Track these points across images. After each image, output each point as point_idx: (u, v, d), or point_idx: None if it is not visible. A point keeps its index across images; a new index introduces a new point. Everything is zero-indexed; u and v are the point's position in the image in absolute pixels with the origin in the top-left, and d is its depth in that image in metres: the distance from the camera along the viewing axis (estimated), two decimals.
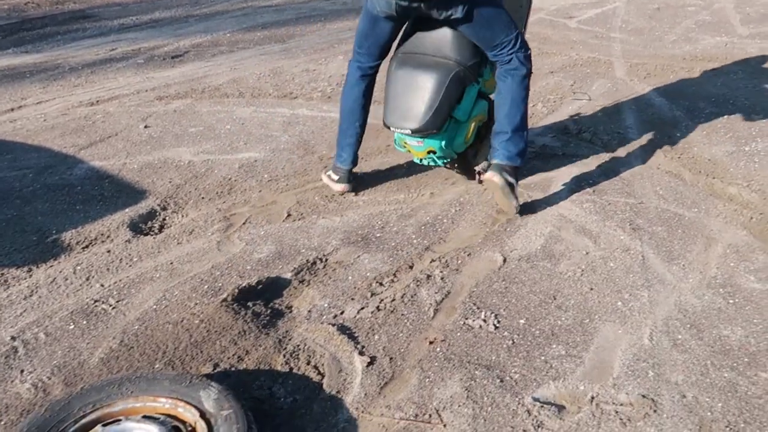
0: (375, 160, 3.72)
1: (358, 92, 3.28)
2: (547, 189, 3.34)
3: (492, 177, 2.96)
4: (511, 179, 2.98)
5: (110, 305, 2.55)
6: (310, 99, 4.75)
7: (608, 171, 3.53)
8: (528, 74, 3.03)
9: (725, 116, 4.22)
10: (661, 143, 3.86)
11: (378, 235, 3.00)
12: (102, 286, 2.68)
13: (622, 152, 3.75)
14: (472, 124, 3.17)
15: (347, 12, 7.58)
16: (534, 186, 3.39)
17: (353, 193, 3.36)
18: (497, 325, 2.39)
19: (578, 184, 3.40)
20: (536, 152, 3.76)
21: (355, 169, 3.39)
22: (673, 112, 4.32)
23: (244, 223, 3.14)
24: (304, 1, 8.25)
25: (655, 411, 1.99)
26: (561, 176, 3.48)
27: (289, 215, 3.19)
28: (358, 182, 3.41)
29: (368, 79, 3.28)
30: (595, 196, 3.27)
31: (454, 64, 3.01)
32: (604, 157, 3.70)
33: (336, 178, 3.35)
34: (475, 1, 2.84)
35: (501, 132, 3.02)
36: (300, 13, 7.58)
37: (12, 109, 4.68)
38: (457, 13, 2.85)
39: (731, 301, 2.49)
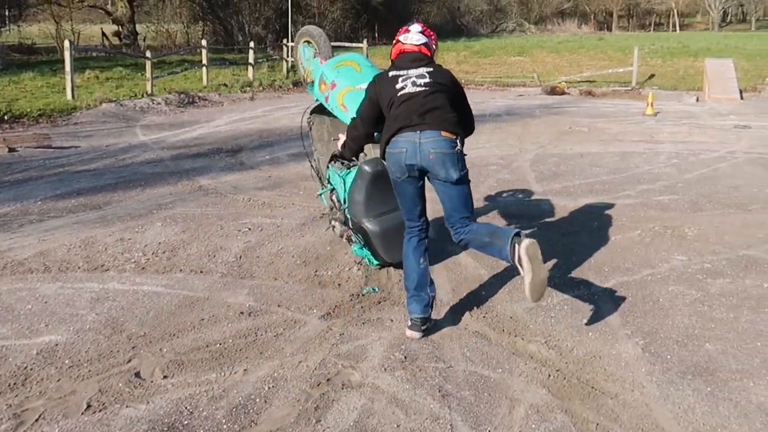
0: (187, 337, 3.60)
1: (415, 253, 3.72)
2: (361, 357, 3.38)
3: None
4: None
5: None
6: (123, 271, 4.59)
7: None
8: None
9: None
10: (468, 303, 4.07)
11: (186, 422, 2.86)
12: None
13: (432, 314, 3.89)
14: None
15: (169, 175, 7.56)
16: (347, 355, 3.41)
17: (162, 376, 3.21)
18: None
19: (391, 350, 3.47)
20: (350, 318, 3.83)
21: (164, 350, 3.25)
22: (478, 270, 4.60)
23: (36, 420, 2.87)
24: (125, 165, 8.15)
25: None
26: (374, 343, 3.54)
27: (89, 407, 2.97)
28: (169, 364, 3.28)
29: (420, 241, 3.75)
30: (407, 363, 3.34)
31: None
32: None
33: (408, 324, 3.67)
34: (462, 176, 3.52)
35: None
36: (120, 177, 7.46)
37: None
38: (453, 175, 3.47)
39: None
